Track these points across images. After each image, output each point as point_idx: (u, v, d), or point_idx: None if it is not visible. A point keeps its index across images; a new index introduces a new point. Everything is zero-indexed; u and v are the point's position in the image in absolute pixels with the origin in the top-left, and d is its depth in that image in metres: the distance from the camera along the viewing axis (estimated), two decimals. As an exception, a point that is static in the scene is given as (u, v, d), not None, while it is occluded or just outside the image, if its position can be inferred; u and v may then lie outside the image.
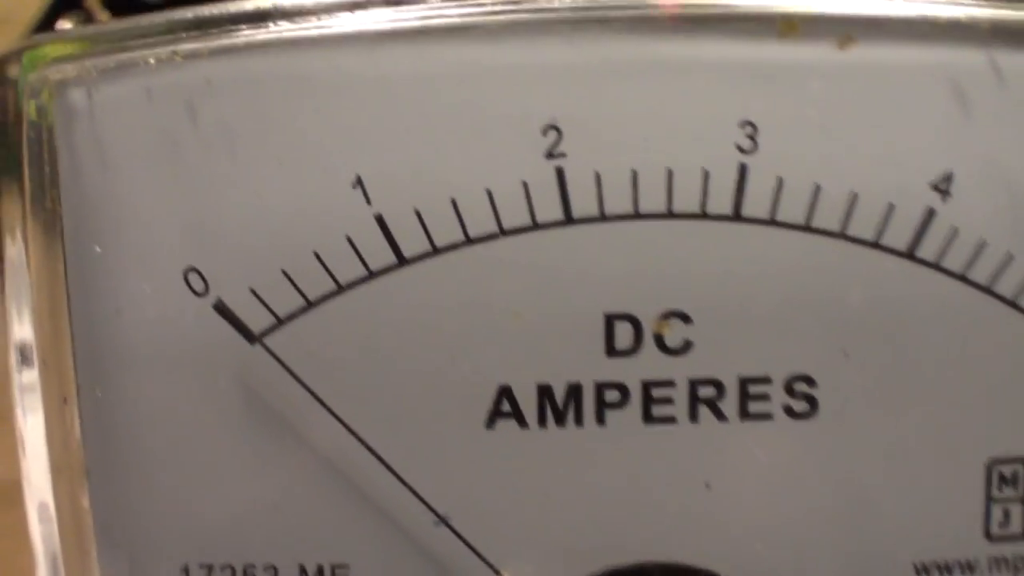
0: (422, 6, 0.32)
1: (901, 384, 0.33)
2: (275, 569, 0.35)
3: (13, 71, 0.33)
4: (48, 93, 0.33)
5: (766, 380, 0.33)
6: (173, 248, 0.33)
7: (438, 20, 0.32)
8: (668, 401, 0.33)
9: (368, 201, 0.32)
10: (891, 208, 0.32)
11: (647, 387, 0.33)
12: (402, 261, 0.33)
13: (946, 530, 0.34)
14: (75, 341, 0.34)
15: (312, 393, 0.33)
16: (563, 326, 0.33)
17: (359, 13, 0.32)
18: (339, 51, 0.32)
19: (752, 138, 0.32)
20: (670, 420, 0.33)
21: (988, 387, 0.33)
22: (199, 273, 0.33)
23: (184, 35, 0.33)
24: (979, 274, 0.33)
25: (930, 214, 0.32)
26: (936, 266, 0.33)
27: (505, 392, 0.33)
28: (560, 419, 0.33)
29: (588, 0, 0.32)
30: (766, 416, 0.33)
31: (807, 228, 0.32)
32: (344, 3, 0.32)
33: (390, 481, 0.33)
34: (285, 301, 0.33)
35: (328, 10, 0.32)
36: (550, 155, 0.32)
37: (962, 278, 0.33)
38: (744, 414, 0.33)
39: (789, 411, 0.33)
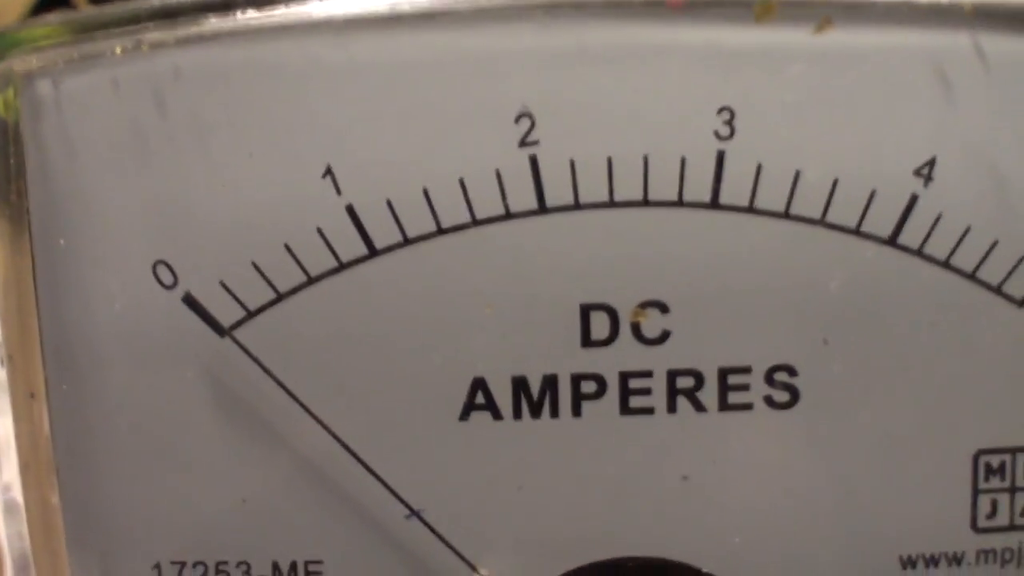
0: (392, -9, 0.32)
1: (884, 373, 0.33)
2: (248, 566, 0.34)
3: (-23, 62, 0.33)
4: (13, 84, 0.33)
5: (746, 370, 0.33)
6: (141, 241, 0.33)
7: (409, 6, 0.32)
8: (646, 392, 0.33)
9: (338, 191, 0.32)
10: (873, 194, 0.32)
11: (624, 378, 0.33)
12: (373, 252, 0.32)
13: (932, 522, 0.33)
14: (43, 335, 0.34)
15: (283, 386, 0.33)
16: (538, 316, 0.32)
17: (328, -1, 0.32)
18: (308, 38, 0.32)
19: (730, 124, 0.31)
20: (648, 411, 0.33)
21: (974, 376, 0.33)
22: (168, 266, 0.33)
23: (150, 24, 0.32)
24: (963, 260, 0.32)
25: (913, 200, 0.32)
26: (919, 252, 0.32)
27: (479, 384, 0.33)
28: (535, 411, 0.33)
29: (561, -15, 0.31)
30: (746, 407, 0.33)
31: (787, 215, 0.32)
32: (312, -11, 0.32)
33: (363, 475, 0.33)
34: (255, 293, 0.33)
35: (296, -4, 0.32)
36: (523, 143, 0.32)
37: (945, 264, 0.32)
38: (724, 405, 0.33)
39: (770, 401, 0.33)
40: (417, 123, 0.32)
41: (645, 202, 0.32)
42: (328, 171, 0.32)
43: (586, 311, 0.32)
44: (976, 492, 0.33)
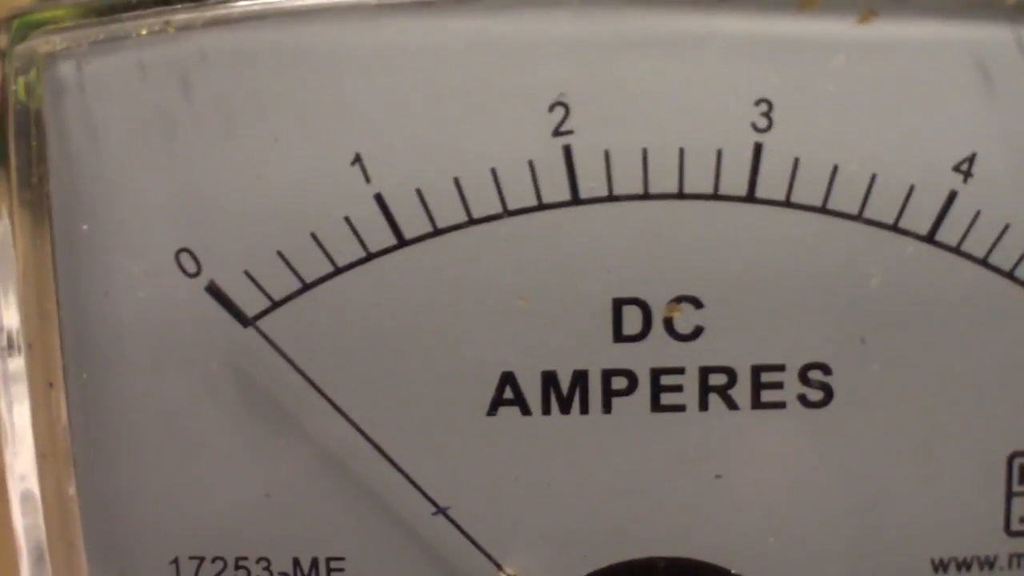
0: (425, -24, 0.31)
1: (920, 373, 0.32)
2: (268, 561, 0.33)
3: (1, 41, 0.32)
4: (36, 66, 0.32)
5: (780, 368, 0.32)
6: (164, 227, 0.32)
7: (442, -10, 0.31)
8: (677, 389, 0.32)
9: (367, 179, 0.31)
10: (911, 190, 0.31)
11: (656, 374, 0.32)
12: (402, 242, 0.31)
13: (965, 525, 0.33)
14: (62, 323, 0.33)
15: (307, 378, 0.32)
16: (569, 310, 0.32)
17: (359, -17, 0.31)
18: (339, 22, 0.31)
19: (768, 116, 0.31)
20: (679, 408, 0.32)
21: (1010, 377, 0.32)
22: (191, 253, 0.32)
23: (178, 5, 0.32)
24: (1001, 259, 0.32)
25: (952, 196, 0.31)
26: (957, 250, 0.31)
27: (508, 378, 0.32)
28: (565, 407, 0.32)
29: (598, -29, 0.31)
30: (779, 405, 0.32)
31: (824, 210, 0.31)
32: (344, -28, 0.31)
33: (388, 470, 0.32)
34: (280, 283, 0.32)
35: (327, -20, 0.31)
36: (557, 132, 0.31)
37: (984, 262, 0.32)
38: (756, 403, 0.32)
39: (803, 400, 0.32)
40: (449, 110, 0.31)
41: (680, 195, 0.31)
42: (357, 158, 0.31)
43: (618, 305, 0.32)
44: (1010, 495, 0.33)
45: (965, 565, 0.33)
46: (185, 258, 0.32)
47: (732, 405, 0.32)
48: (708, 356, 0.32)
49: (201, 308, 0.32)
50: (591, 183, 0.31)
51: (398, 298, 0.32)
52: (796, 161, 0.31)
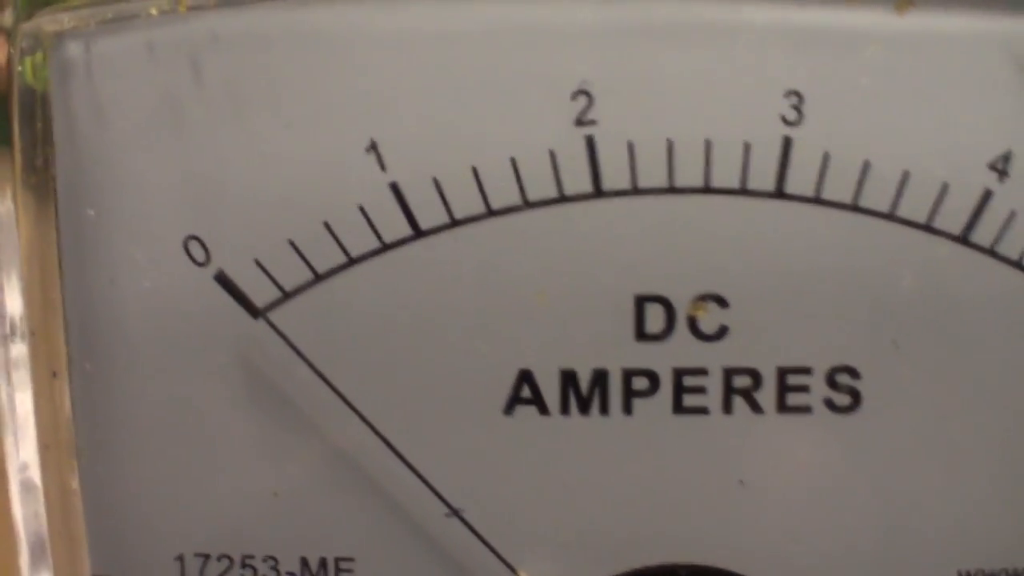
0: (445, -42, 0.30)
1: (952, 379, 0.31)
2: (275, 560, 0.33)
3: (6, 18, 0.31)
4: (43, 45, 0.31)
5: (806, 371, 0.31)
6: (173, 214, 0.31)
7: (463, -27, 0.30)
8: (701, 390, 0.31)
9: (383, 167, 0.30)
10: (945, 188, 0.30)
11: (678, 375, 0.31)
12: (418, 233, 0.31)
13: (994, 536, 0.32)
14: (67, 311, 0.32)
15: (318, 373, 0.31)
16: (590, 307, 0.31)
17: (377, -36, 0.30)
18: (355, 5, 0.30)
19: (798, 109, 0.30)
20: (702, 411, 0.31)
21: (1044, 384, 0.31)
22: (200, 241, 0.31)
23: (190, -15, 0.31)
24: (1036, 261, 0.31)
25: (986, 195, 0.30)
26: (991, 252, 0.30)
27: (526, 376, 0.31)
28: (584, 407, 0.31)
29: (625, -44, 0.30)
30: (805, 409, 0.31)
31: (854, 208, 0.30)
32: (362, -47, 0.30)
33: (400, 469, 0.32)
34: (291, 273, 0.31)
35: (344, -39, 0.30)
36: (580, 122, 0.30)
37: (1018, 265, 0.30)
38: (782, 406, 0.31)
39: (830, 404, 0.31)
40: (468, 97, 0.30)
41: (706, 189, 0.30)
42: (372, 146, 0.30)
43: (641, 303, 0.31)
44: (1042, 507, 0.32)
45: (992, 577, 0.32)
46: (194, 246, 0.31)
47: (757, 408, 0.31)
48: (733, 357, 0.31)
49: (210, 298, 0.31)
50: (614, 175, 0.30)
51: (413, 291, 0.31)
52: (826, 156, 0.30)
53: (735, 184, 0.30)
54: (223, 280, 0.31)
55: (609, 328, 0.31)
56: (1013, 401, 0.31)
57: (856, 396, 0.31)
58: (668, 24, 0.30)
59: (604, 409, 0.31)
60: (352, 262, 0.31)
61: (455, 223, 0.31)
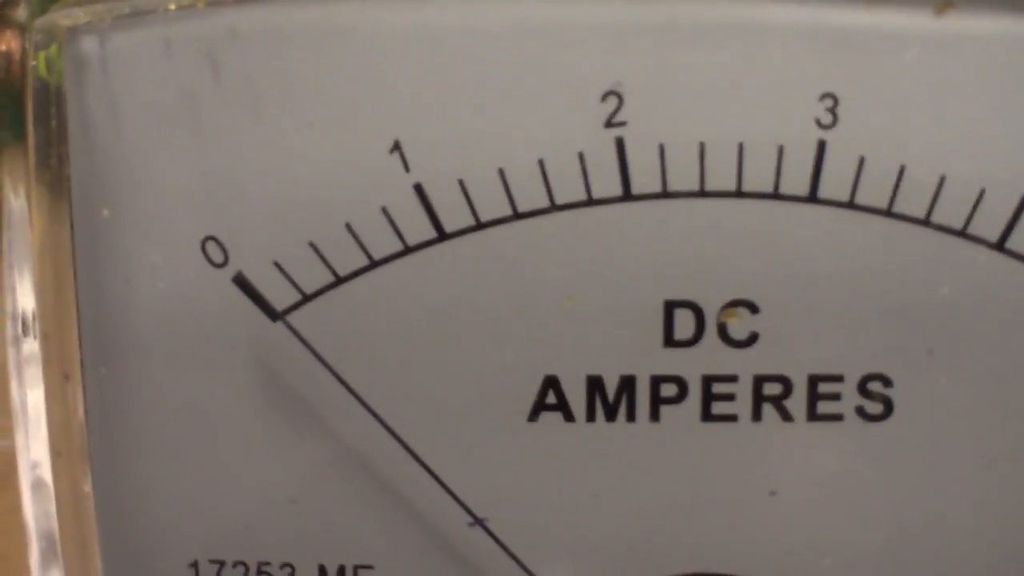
0: (473, -46, 0.29)
1: (985, 387, 0.30)
2: (292, 568, 0.32)
3: (20, 15, 0.30)
4: (58, 41, 0.30)
5: (838, 378, 0.30)
6: (190, 215, 0.31)
7: (490, -30, 0.29)
8: (730, 398, 0.31)
9: (407, 168, 0.30)
10: (981, 194, 0.30)
11: (707, 382, 0.30)
12: (442, 235, 0.30)
13: (1026, 548, 0.31)
14: (80, 313, 0.31)
15: (338, 377, 0.31)
16: (618, 312, 0.30)
17: (402, -40, 0.29)
18: (378, 2, 0.30)
19: (832, 111, 0.29)
20: (731, 419, 0.31)
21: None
22: (218, 242, 0.30)
23: (209, -21, 0.30)
24: (1075, 270, 0.30)
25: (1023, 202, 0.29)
26: (1027, 259, 0.30)
27: (551, 382, 0.31)
28: (611, 414, 0.31)
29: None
30: (836, 417, 0.30)
31: (889, 213, 0.30)
32: (387, -52, 0.29)
33: (421, 476, 0.31)
34: (311, 275, 0.30)
35: (368, -44, 0.29)
36: (609, 124, 0.29)
37: (1056, 273, 0.30)
38: (812, 414, 0.30)
39: (862, 413, 0.30)
40: (494, 97, 0.29)
41: (738, 193, 0.30)
42: (396, 146, 0.30)
43: (670, 308, 0.30)
44: (1074, 518, 0.31)
45: (1025, 590, 0.32)
46: (212, 247, 0.31)
47: (787, 416, 0.31)
48: (763, 364, 0.30)
49: (228, 300, 0.31)
50: (644, 178, 0.30)
51: (437, 294, 0.30)
52: (862, 160, 0.29)
53: (768, 188, 0.30)
54: (241, 282, 0.31)
55: (637, 334, 0.30)
56: (1049, 411, 0.30)
57: (888, 404, 0.30)
58: (701, 24, 0.29)
59: (631, 416, 0.31)
60: (374, 264, 0.30)
61: (480, 225, 0.30)
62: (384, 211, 0.30)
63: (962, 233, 0.30)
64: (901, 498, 0.31)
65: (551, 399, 0.31)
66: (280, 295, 0.31)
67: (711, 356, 0.30)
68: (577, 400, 0.31)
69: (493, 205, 0.30)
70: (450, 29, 0.29)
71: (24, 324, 0.32)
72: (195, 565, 0.32)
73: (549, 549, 0.31)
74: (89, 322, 0.31)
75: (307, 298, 0.31)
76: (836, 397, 0.30)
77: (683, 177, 0.30)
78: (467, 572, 0.32)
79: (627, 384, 0.31)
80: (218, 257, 0.31)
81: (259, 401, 0.31)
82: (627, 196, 0.30)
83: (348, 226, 0.30)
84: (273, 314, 0.31)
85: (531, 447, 0.31)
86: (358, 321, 0.31)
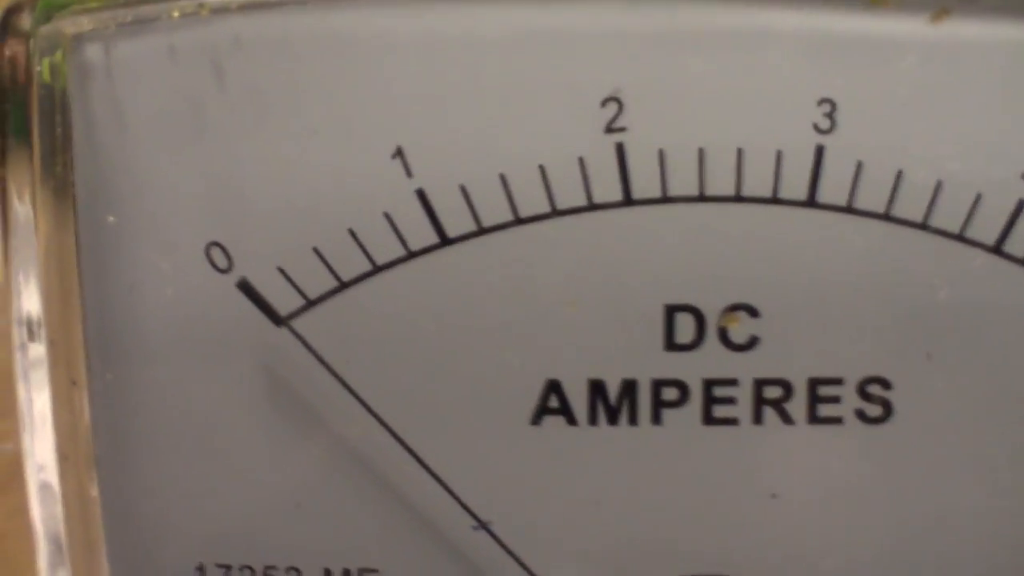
0: (473, -38, 0.29)
1: (984, 390, 0.31)
2: (298, 572, 0.32)
3: (25, 22, 0.30)
4: (62, 48, 0.30)
5: (838, 381, 0.31)
6: (194, 220, 0.31)
7: (491, -23, 0.29)
8: (731, 401, 0.31)
9: (409, 174, 0.30)
10: (978, 198, 0.30)
11: (708, 385, 0.31)
12: (445, 240, 0.30)
13: (1026, 549, 0.32)
14: (86, 319, 0.32)
15: (342, 382, 0.31)
16: (619, 316, 0.30)
17: (404, -32, 0.30)
18: (381, 10, 0.30)
19: (830, 117, 0.29)
20: (732, 422, 0.31)
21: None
22: (222, 248, 0.31)
23: (212, -13, 0.30)
24: (1071, 273, 0.30)
25: (1020, 206, 0.30)
26: (1024, 263, 0.30)
27: (553, 386, 0.31)
28: (613, 417, 0.31)
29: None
30: (836, 420, 0.31)
31: (887, 217, 0.30)
32: (388, -44, 0.30)
33: (425, 480, 0.31)
34: (315, 281, 0.31)
35: (370, -36, 0.30)
36: (609, 129, 0.30)
37: (1053, 277, 0.30)
38: (812, 417, 0.31)
39: (861, 415, 0.31)
40: (496, 103, 0.30)
41: (738, 197, 0.30)
42: (398, 152, 0.30)
43: (671, 312, 0.30)
44: (1073, 519, 0.32)
45: (1025, 591, 0.32)
46: (216, 253, 0.31)
47: (787, 419, 0.31)
48: (763, 367, 0.31)
49: (232, 306, 0.31)
50: (644, 183, 0.30)
51: (439, 299, 0.30)
52: (859, 165, 0.30)
53: (767, 193, 0.30)
54: (246, 288, 0.31)
55: (638, 338, 0.31)
56: (1046, 413, 0.31)
57: (888, 407, 0.31)
58: (700, 31, 0.29)
59: (633, 419, 0.31)
60: (377, 270, 0.30)
61: (482, 231, 0.30)
62: (387, 217, 0.30)
63: (959, 237, 0.30)
64: (901, 500, 0.31)
65: (553, 403, 0.31)
66: (284, 300, 0.31)
67: (712, 360, 0.31)
68: (579, 404, 0.31)
69: (495, 210, 0.30)
70: (452, 36, 0.30)
71: (30, 329, 0.32)
72: (201, 569, 0.33)
73: (553, 551, 0.32)
74: (95, 328, 0.32)
75: (311, 303, 0.31)
76: (836, 400, 0.31)
77: (683, 182, 0.30)
78: (471, 574, 0.32)
79: (629, 388, 0.31)
80: (222, 263, 0.31)
81: (264, 406, 0.31)
82: (628, 201, 0.30)
83: (351, 232, 0.30)
84: (277, 319, 0.31)
85: (534, 450, 0.31)
86: (362, 326, 0.31)
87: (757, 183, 0.30)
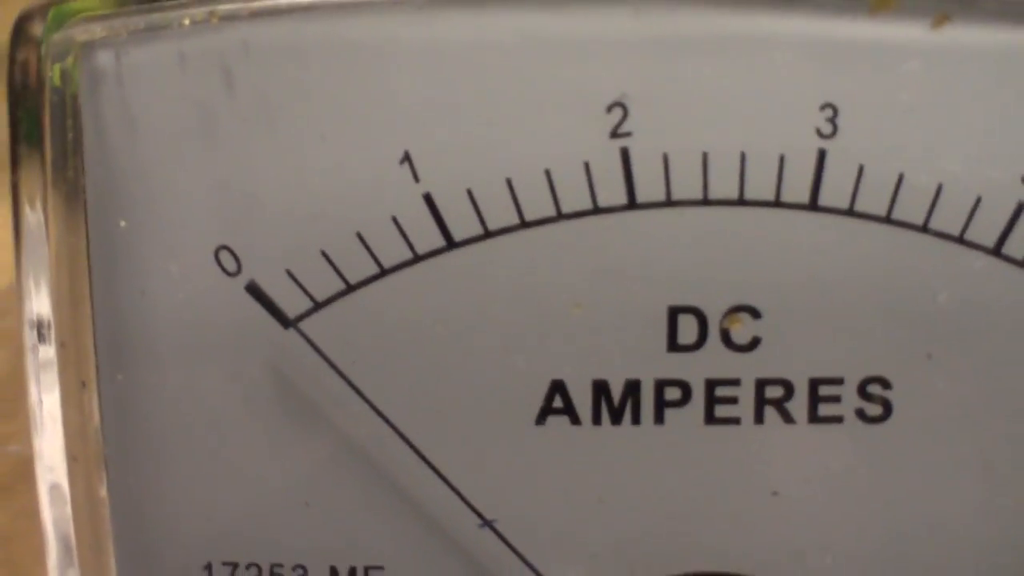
0: (480, -31, 0.30)
1: (983, 390, 0.31)
2: (304, 570, 0.33)
3: (36, 29, 0.31)
4: (74, 55, 0.31)
5: (838, 381, 0.31)
6: (204, 225, 0.31)
7: (497, -16, 0.30)
8: (732, 401, 0.31)
9: (416, 178, 0.30)
10: (978, 201, 0.30)
11: (711, 385, 0.31)
12: (451, 244, 0.31)
13: (1024, 549, 0.32)
14: (96, 322, 0.32)
15: (350, 383, 0.31)
16: (623, 318, 0.31)
17: (411, -25, 0.30)
18: (388, 16, 0.30)
19: (832, 122, 0.30)
20: (734, 421, 0.31)
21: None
22: (231, 252, 0.31)
23: (221, -6, 0.30)
24: (1070, 275, 0.31)
25: (1020, 209, 0.30)
26: None
27: (558, 387, 0.31)
28: (616, 417, 0.31)
29: (660, -32, 0.30)
30: (836, 419, 0.31)
31: (888, 220, 0.30)
32: (396, -36, 0.30)
33: (431, 479, 0.32)
34: (323, 284, 0.31)
35: (378, -29, 0.30)
36: (615, 134, 0.30)
37: (1052, 278, 0.31)
38: (813, 417, 0.31)
39: (861, 415, 0.31)
40: (502, 109, 0.30)
41: (741, 201, 0.30)
42: (406, 157, 0.30)
43: (674, 314, 0.31)
44: (1071, 520, 0.32)
45: (1023, 591, 0.32)
46: (225, 256, 0.31)
47: (788, 419, 0.31)
48: (765, 368, 0.31)
49: (241, 308, 0.31)
50: (648, 187, 0.30)
51: (446, 302, 0.31)
52: (861, 169, 0.30)
53: (769, 196, 0.30)
54: (254, 290, 0.31)
55: (642, 339, 0.31)
56: (1044, 413, 0.31)
57: (888, 407, 0.31)
58: (703, 37, 0.30)
59: (636, 419, 0.31)
60: (384, 272, 0.31)
61: (488, 234, 0.30)
62: (394, 220, 0.31)
63: (960, 239, 0.30)
64: (900, 498, 0.32)
65: (558, 403, 0.31)
66: (292, 303, 0.31)
67: (714, 360, 0.31)
68: (583, 404, 0.31)
69: (501, 214, 0.30)
70: (459, 43, 0.30)
71: (40, 331, 0.33)
72: (208, 567, 0.33)
73: (557, 549, 0.32)
74: (105, 330, 0.32)
75: (319, 306, 0.31)
76: (836, 400, 0.31)
77: (687, 186, 0.30)
78: (477, 573, 0.32)
79: (632, 388, 0.31)
80: (231, 266, 0.31)
81: (272, 406, 0.32)
82: (632, 205, 0.30)
83: (359, 235, 0.31)
84: (285, 321, 0.31)
85: (539, 450, 0.31)
86: (369, 328, 0.31)
87: (760, 187, 0.30)
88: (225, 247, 0.31)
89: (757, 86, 0.30)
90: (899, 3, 0.29)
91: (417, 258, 0.31)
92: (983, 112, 0.30)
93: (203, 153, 0.31)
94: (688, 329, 0.31)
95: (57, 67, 0.31)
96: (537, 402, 0.31)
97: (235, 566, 0.33)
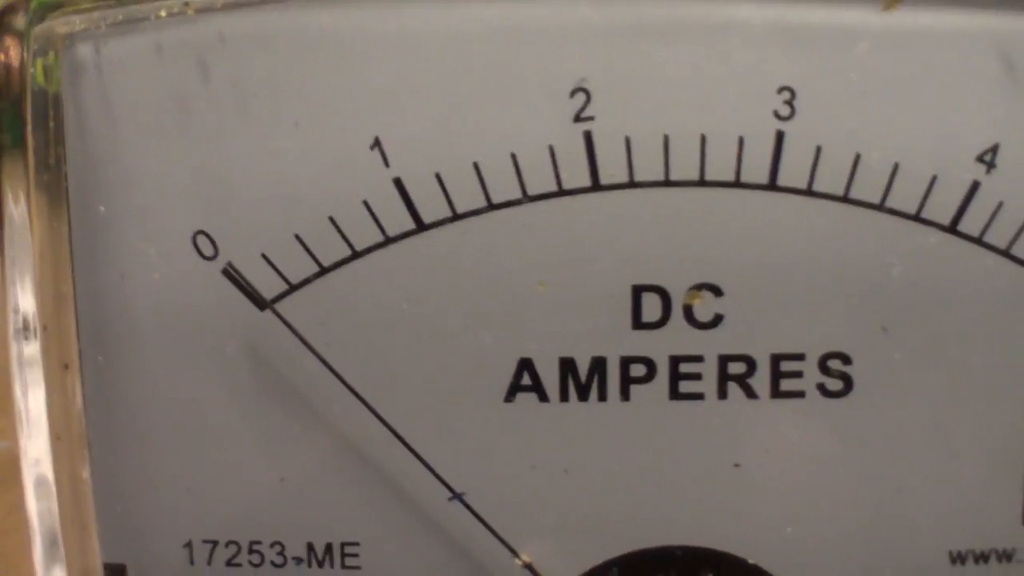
0: (446, -41, 0.31)
1: (941, 364, 0.32)
2: (282, 546, 0.33)
3: (19, 21, 0.32)
4: (55, 49, 0.32)
5: (799, 357, 0.32)
6: (181, 210, 0.32)
7: (463, -25, 0.31)
8: (696, 377, 0.32)
9: (386, 163, 0.31)
10: (934, 180, 0.31)
11: (675, 362, 0.32)
12: (421, 226, 0.31)
13: (983, 517, 0.33)
14: (78, 305, 0.33)
15: (324, 362, 0.32)
16: (588, 297, 0.32)
17: (380, -34, 0.31)
18: (359, 6, 0.31)
19: (790, 104, 0.31)
20: (698, 397, 0.32)
21: (1031, 369, 0.32)
22: (208, 236, 0.32)
23: (197, -13, 0.31)
24: (1024, 250, 0.31)
25: (974, 187, 0.31)
26: (979, 241, 0.31)
27: (526, 365, 0.32)
28: (583, 394, 0.32)
29: (621, -44, 0.30)
30: (798, 394, 0.32)
31: (845, 199, 0.31)
32: (365, -45, 0.31)
33: (404, 455, 0.32)
34: (298, 266, 0.32)
35: (348, -38, 0.31)
36: (578, 118, 0.31)
37: (1006, 254, 0.31)
38: (776, 392, 0.32)
39: (823, 389, 0.32)
40: (469, 95, 0.31)
41: (701, 182, 0.31)
42: (376, 143, 0.31)
43: (638, 292, 0.32)
44: (1029, 488, 0.33)
45: (983, 557, 0.33)
46: (202, 241, 0.32)
47: (751, 394, 0.32)
48: (727, 344, 0.32)
49: (218, 291, 0.32)
50: (611, 169, 0.31)
51: (416, 283, 0.32)
52: (818, 149, 0.31)
53: (729, 177, 0.31)
54: (231, 274, 0.32)
55: (607, 317, 0.32)
56: (998, 385, 0.32)
57: (848, 381, 0.32)
58: (664, 23, 0.31)
59: (602, 396, 0.32)
60: (357, 255, 0.32)
61: (457, 216, 0.31)
62: (365, 204, 0.31)
63: (916, 217, 0.31)
64: (861, 470, 0.32)
65: (526, 380, 0.32)
66: (268, 285, 0.32)
67: (678, 337, 0.32)
68: (551, 381, 0.32)
69: (469, 197, 0.31)
70: (427, 32, 0.31)
71: (26, 325, 0.33)
72: (189, 545, 0.34)
73: (526, 523, 0.33)
74: (87, 314, 0.33)
75: (293, 288, 0.32)
76: (798, 375, 0.32)
77: (649, 168, 0.31)
78: (449, 546, 0.33)
79: (598, 365, 0.32)
80: (208, 250, 0.32)
81: (249, 387, 0.33)
82: (596, 186, 0.31)
83: (331, 219, 0.31)
84: (261, 303, 0.32)
85: (508, 426, 0.32)
86: (342, 309, 0.32)
87: (720, 168, 0.31)
88: (202, 232, 0.32)
89: (716, 70, 0.31)
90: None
91: (388, 240, 0.31)
92: (937, 92, 0.31)
93: (180, 141, 0.32)
94: (652, 307, 0.32)
95: (39, 62, 0.32)
96: (506, 379, 0.32)
97: (215, 544, 0.34)
